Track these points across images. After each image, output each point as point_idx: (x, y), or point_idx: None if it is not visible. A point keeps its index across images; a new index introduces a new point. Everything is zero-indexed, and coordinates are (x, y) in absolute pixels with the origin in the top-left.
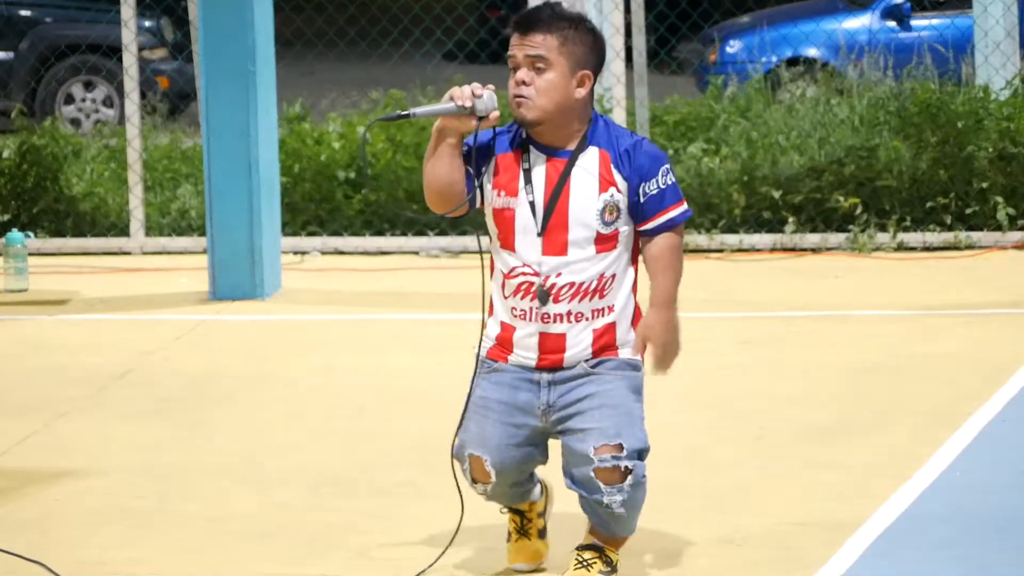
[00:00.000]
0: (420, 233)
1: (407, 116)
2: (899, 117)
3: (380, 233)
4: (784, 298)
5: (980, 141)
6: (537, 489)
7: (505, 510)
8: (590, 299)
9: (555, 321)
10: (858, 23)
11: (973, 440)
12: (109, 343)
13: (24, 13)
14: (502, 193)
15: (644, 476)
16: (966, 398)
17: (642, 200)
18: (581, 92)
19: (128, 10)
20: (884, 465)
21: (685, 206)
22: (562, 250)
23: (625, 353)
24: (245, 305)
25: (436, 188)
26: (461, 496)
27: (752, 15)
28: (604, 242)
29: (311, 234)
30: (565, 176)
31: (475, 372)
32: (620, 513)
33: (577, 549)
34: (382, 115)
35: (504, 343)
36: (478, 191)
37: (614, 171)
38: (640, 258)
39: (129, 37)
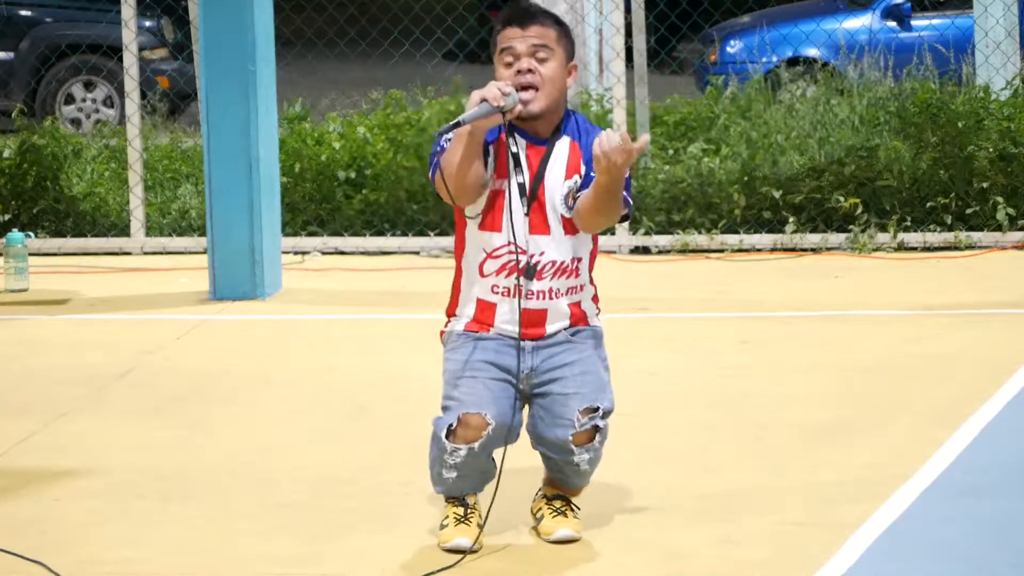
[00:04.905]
0: (421, 233)
1: (458, 124)
2: (899, 117)
3: (380, 233)
4: (784, 298)
5: (980, 141)
6: (492, 476)
7: (450, 500)
8: (567, 277)
9: (537, 298)
10: (858, 23)
11: (973, 440)
12: (109, 343)
13: (24, 13)
14: (495, 175)
15: (607, 434)
16: (966, 398)
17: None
18: (570, 82)
19: (128, 10)
20: (884, 465)
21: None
22: (545, 230)
23: (591, 318)
24: (245, 305)
25: (473, 183)
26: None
27: (752, 15)
28: (571, 226)
29: (311, 234)
30: (545, 161)
31: (450, 347)
32: (585, 470)
33: (545, 500)
34: (443, 127)
35: (483, 320)
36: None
37: (582, 160)
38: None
39: (129, 37)
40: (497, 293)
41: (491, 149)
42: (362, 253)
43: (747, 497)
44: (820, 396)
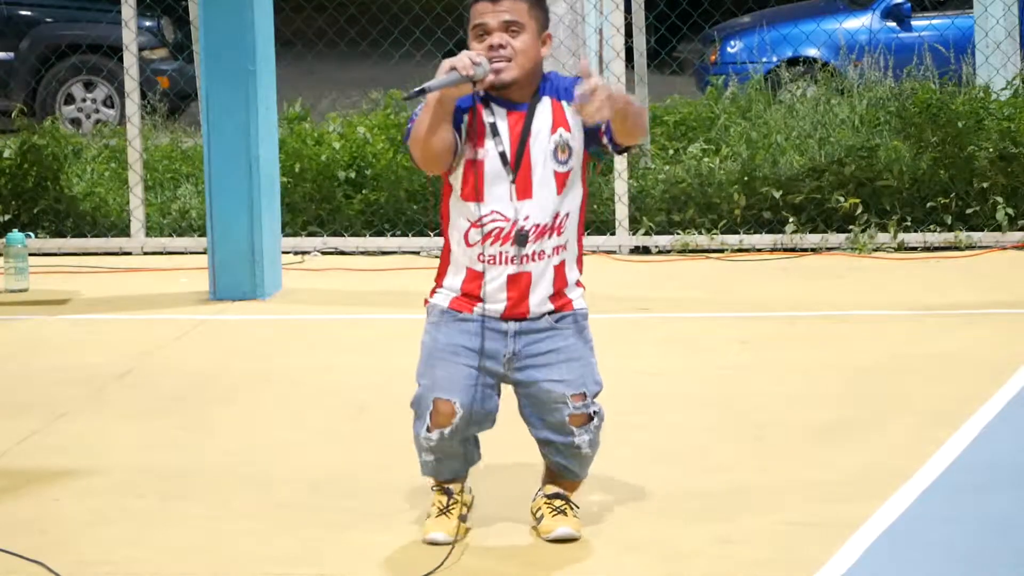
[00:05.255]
0: (421, 233)
1: (423, 91)
2: (899, 117)
3: (380, 233)
4: (784, 298)
5: (980, 141)
6: (476, 460)
7: (435, 487)
8: (550, 236)
9: (522, 262)
10: (858, 23)
11: (973, 440)
12: (109, 343)
13: (24, 13)
14: (472, 146)
15: (603, 416)
16: (966, 398)
17: None
18: (545, 51)
19: (128, 10)
20: (884, 465)
21: None
22: (529, 193)
23: (576, 300)
24: (245, 305)
25: (438, 151)
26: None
27: (752, 15)
28: (561, 182)
29: (311, 234)
30: (528, 126)
31: (432, 321)
32: (587, 453)
33: (545, 498)
34: (408, 93)
35: (470, 293)
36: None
37: (566, 111)
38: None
39: (129, 37)
40: (483, 261)
41: (465, 118)
42: (362, 253)
43: (747, 497)
44: (820, 396)
